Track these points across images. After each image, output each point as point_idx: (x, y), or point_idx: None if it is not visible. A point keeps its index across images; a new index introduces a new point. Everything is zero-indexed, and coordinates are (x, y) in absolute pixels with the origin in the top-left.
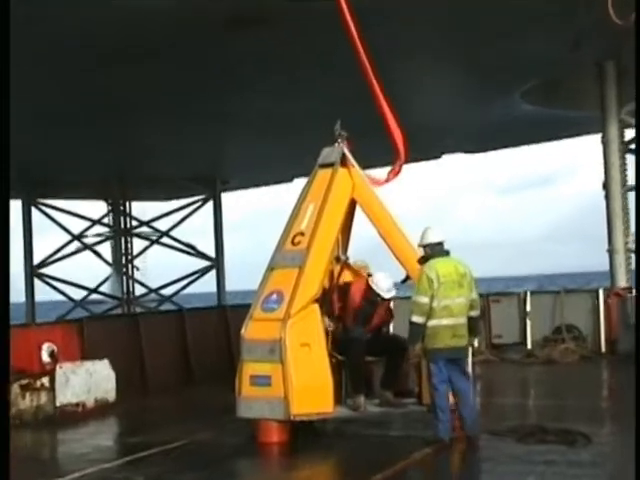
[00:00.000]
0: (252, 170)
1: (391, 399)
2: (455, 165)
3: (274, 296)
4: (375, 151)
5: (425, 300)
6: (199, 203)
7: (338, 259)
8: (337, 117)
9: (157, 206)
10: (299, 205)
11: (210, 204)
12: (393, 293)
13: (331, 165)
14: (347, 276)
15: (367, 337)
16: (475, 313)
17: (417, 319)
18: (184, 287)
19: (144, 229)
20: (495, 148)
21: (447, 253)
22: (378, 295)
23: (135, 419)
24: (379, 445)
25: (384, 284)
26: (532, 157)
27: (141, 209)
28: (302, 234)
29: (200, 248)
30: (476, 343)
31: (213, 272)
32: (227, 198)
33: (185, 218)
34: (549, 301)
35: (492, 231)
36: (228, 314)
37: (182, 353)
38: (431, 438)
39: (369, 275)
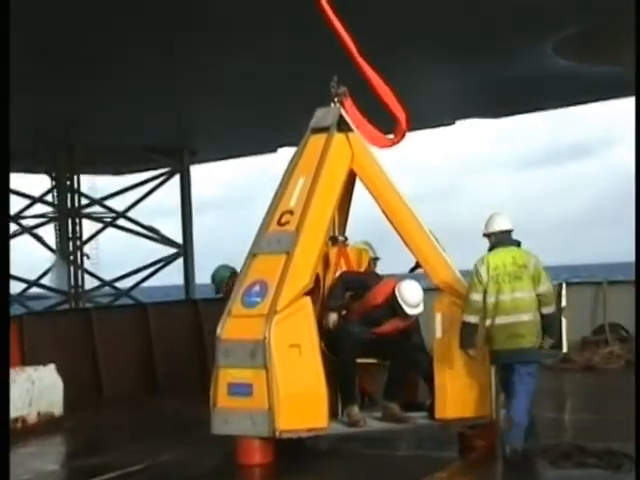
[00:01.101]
0: (227, 139)
1: (397, 412)
2: (470, 133)
3: (256, 287)
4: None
5: (476, 297)
6: (163, 178)
7: (334, 240)
8: (329, 79)
9: (112, 181)
10: (287, 179)
11: (176, 179)
12: (419, 310)
13: (326, 130)
14: (348, 260)
15: (366, 336)
16: (547, 310)
17: (468, 318)
18: (145, 279)
19: (96, 209)
20: (518, 112)
21: (516, 243)
22: (400, 306)
23: (87, 437)
24: (382, 468)
25: (411, 297)
26: (563, 124)
27: (92, 185)
28: (290, 213)
29: (164, 232)
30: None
31: (180, 261)
32: (197, 172)
33: (146, 196)
34: (589, 295)
35: (516, 213)
36: (201, 310)
37: (145, 357)
38: (445, 459)
39: (375, 259)
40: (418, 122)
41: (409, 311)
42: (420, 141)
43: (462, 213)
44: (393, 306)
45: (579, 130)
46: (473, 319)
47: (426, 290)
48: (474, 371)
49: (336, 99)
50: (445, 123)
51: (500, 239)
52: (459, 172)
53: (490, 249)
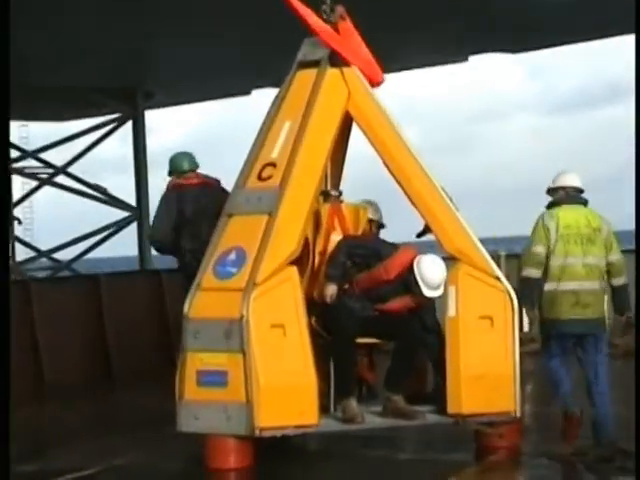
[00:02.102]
0: (190, 78)
1: (401, 406)
2: (487, 71)
3: (232, 255)
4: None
5: (540, 250)
6: (112, 126)
7: (326, 195)
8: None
9: (49, 129)
10: (269, 124)
11: (128, 127)
12: (439, 292)
13: (316, 64)
14: (343, 219)
15: (368, 313)
16: (618, 281)
17: (530, 272)
18: (90, 249)
19: (29, 163)
20: (545, 45)
21: (584, 203)
22: (417, 285)
23: (27, 437)
24: (383, 473)
25: (433, 276)
26: (601, 59)
27: (24, 134)
28: (273, 165)
29: (114, 192)
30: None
31: (133, 227)
32: (154, 118)
33: (91, 147)
34: (631, 266)
35: (541, 170)
36: (164, 282)
37: (97, 339)
38: (459, 462)
39: (380, 226)
40: (419, 58)
41: (428, 293)
42: (423, 82)
43: (477, 168)
44: (407, 283)
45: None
46: (535, 273)
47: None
48: (495, 357)
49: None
50: (455, 59)
51: (572, 196)
52: (474, 119)
53: (550, 206)
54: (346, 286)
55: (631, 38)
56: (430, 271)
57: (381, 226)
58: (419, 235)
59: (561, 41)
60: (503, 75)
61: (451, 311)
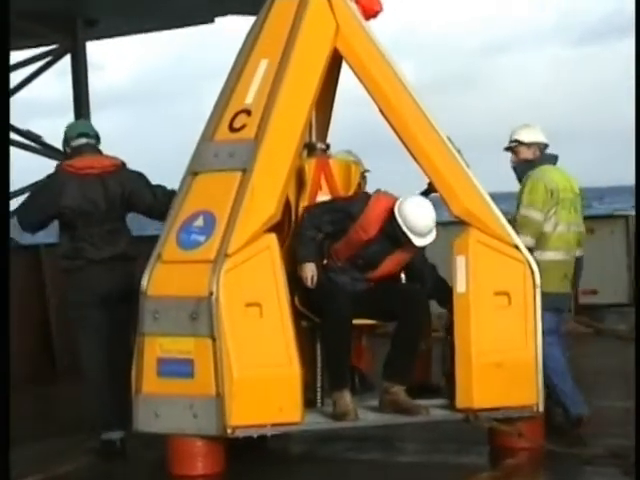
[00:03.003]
0: (141, 2)
1: (402, 399)
2: None
3: (199, 221)
4: None
5: (539, 217)
6: (47, 60)
7: (311, 148)
8: None
9: None
10: (241, 63)
11: (66, 61)
12: (430, 239)
13: None
14: (331, 176)
15: (361, 287)
16: (582, 251)
17: (527, 241)
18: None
19: None
20: None
21: (555, 161)
22: (404, 235)
23: None
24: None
25: (419, 220)
26: None
27: None
28: (247, 113)
29: (49, 140)
30: None
31: None
32: (97, 51)
33: (21, 86)
34: None
35: (565, 111)
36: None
37: (37, 321)
38: (470, 466)
39: (363, 177)
40: None
41: (417, 241)
42: (422, 9)
43: (486, 111)
44: (393, 235)
45: None
46: (530, 241)
47: (444, 224)
48: (513, 341)
49: None
50: None
51: (547, 155)
52: (481, 51)
53: (532, 167)
54: (325, 261)
55: None
56: (415, 216)
57: (365, 171)
58: (422, 195)
59: None
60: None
61: (460, 286)
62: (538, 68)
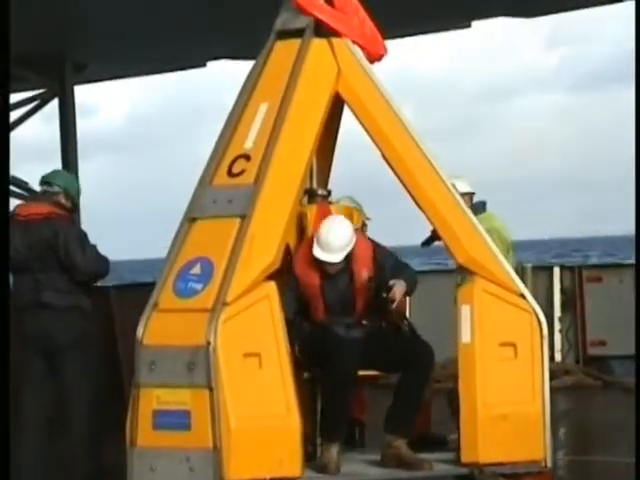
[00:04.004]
0: (131, 46)
1: (404, 453)
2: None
3: (196, 268)
4: None
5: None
6: (34, 104)
7: (312, 195)
8: None
9: None
10: (241, 107)
11: (54, 106)
12: (332, 258)
13: (299, 34)
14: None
15: (357, 334)
16: None
17: None
18: None
19: None
20: (561, 8)
21: (484, 207)
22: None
23: None
24: None
25: (323, 233)
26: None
27: None
28: (247, 158)
29: (35, 186)
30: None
31: None
32: (85, 95)
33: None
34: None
35: (559, 161)
36: (113, 302)
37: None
38: None
39: (364, 225)
40: (413, 23)
41: (317, 253)
42: (420, 52)
43: (481, 156)
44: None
45: None
46: None
47: (448, 272)
48: (519, 393)
49: None
50: (457, 25)
51: (478, 203)
52: (480, 97)
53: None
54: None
55: None
56: (323, 228)
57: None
58: (425, 243)
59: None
60: (510, 44)
61: (465, 336)
62: (539, 113)
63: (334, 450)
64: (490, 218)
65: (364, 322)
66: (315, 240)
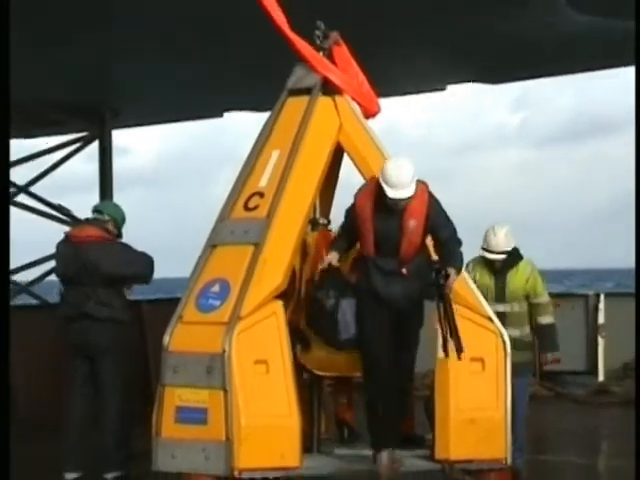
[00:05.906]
0: (159, 97)
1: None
2: (466, 101)
3: (215, 287)
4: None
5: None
6: (77, 145)
7: (314, 224)
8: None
9: (11, 146)
10: (257, 152)
11: (94, 146)
12: (403, 193)
13: (307, 91)
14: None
15: (395, 289)
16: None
17: (551, 319)
18: (51, 271)
19: None
20: (525, 77)
21: None
22: (383, 190)
23: None
24: None
25: (390, 172)
26: (583, 92)
27: None
28: (261, 195)
29: (76, 212)
30: None
31: None
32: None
33: (55, 167)
34: (633, 309)
35: (529, 204)
36: (144, 313)
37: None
38: None
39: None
40: (396, 85)
41: (389, 192)
42: (400, 111)
43: (458, 205)
44: (384, 204)
45: (604, 100)
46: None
47: None
48: (486, 401)
49: (322, 50)
50: (433, 88)
51: (516, 249)
52: (454, 151)
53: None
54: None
55: (622, 72)
56: (389, 168)
57: None
58: None
59: (539, 74)
60: (480, 106)
61: (441, 352)
62: (503, 166)
63: (384, 453)
64: (531, 260)
65: (404, 271)
66: (383, 182)
